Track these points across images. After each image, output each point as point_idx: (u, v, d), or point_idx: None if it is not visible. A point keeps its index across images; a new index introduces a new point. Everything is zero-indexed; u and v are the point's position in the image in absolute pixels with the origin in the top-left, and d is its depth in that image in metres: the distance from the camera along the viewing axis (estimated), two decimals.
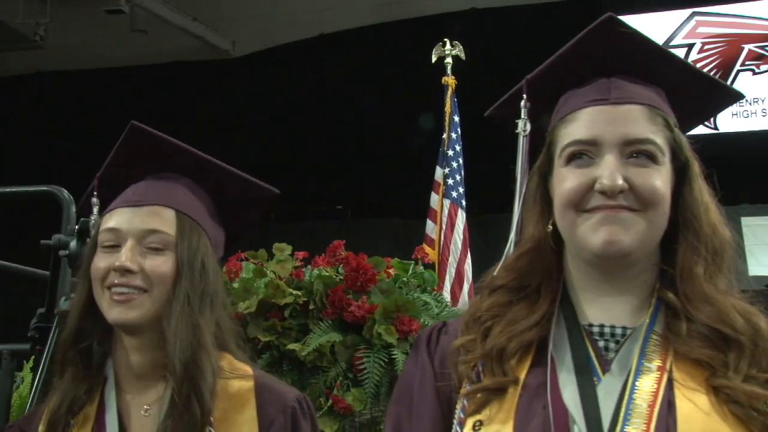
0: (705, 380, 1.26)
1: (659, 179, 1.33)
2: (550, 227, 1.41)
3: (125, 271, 1.61)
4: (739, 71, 11.43)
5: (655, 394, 1.26)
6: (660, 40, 11.66)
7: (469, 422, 1.33)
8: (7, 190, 3.00)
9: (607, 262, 1.34)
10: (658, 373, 1.29)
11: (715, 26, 11.63)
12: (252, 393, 1.66)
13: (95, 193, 1.77)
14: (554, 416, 1.28)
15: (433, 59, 5.50)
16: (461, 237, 5.28)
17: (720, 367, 1.26)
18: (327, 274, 3.06)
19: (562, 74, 1.45)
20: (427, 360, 1.46)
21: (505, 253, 1.49)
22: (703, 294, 1.31)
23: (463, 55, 5.49)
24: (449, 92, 5.51)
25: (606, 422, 1.26)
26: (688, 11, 11.66)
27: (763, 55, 11.40)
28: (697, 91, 1.48)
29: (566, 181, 1.35)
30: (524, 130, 1.48)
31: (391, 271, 3.24)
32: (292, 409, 1.68)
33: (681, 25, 11.74)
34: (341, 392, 2.85)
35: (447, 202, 5.35)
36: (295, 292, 2.95)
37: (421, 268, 3.25)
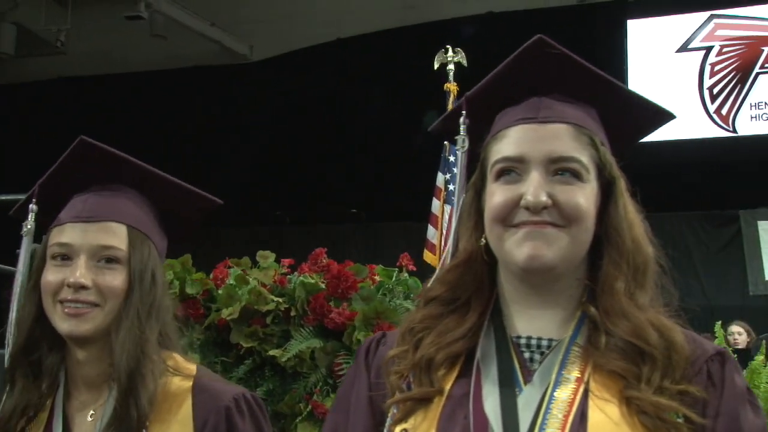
0: (619, 391, 1.30)
1: (583, 196, 1.36)
2: (483, 241, 1.44)
3: (79, 288, 1.64)
4: (758, 74, 11.30)
5: (571, 404, 1.30)
6: (678, 43, 11.60)
7: (397, 430, 1.36)
8: None
9: (533, 275, 1.37)
10: (576, 384, 1.32)
11: (733, 29, 11.50)
12: (189, 393, 1.68)
13: (34, 200, 1.79)
14: (474, 426, 1.31)
15: (435, 66, 5.52)
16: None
17: (633, 379, 1.29)
18: (311, 281, 3.10)
19: (499, 93, 1.48)
20: (363, 370, 1.50)
21: (439, 266, 1.52)
22: (621, 309, 1.34)
23: (465, 62, 5.49)
24: (451, 98, 5.52)
25: (523, 430, 1.29)
26: (707, 14, 11.55)
27: None
28: (628, 111, 1.51)
29: (495, 196, 1.38)
30: (462, 147, 1.51)
31: (377, 277, 3.27)
32: (226, 409, 1.67)
33: (699, 27, 11.63)
34: (321, 398, 2.90)
35: (448, 208, 5.34)
36: (276, 299, 3.00)
37: (406, 275, 3.28)
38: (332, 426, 1.51)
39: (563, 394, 1.31)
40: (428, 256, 5.37)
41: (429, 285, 1.49)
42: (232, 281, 3.11)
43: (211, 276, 3.20)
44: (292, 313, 3.01)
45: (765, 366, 2.53)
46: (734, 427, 1.32)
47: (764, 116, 11.19)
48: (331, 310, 2.98)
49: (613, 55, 11.60)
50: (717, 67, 11.53)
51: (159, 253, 1.79)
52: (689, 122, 11.31)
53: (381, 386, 1.44)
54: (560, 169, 1.36)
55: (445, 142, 5.50)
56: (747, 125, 11.18)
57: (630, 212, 1.42)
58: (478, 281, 1.44)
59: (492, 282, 1.45)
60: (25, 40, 12.92)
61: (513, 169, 1.38)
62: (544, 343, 1.38)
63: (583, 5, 11.97)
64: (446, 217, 5.37)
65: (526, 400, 1.32)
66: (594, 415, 1.28)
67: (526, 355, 1.38)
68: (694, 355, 1.35)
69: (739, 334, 8.12)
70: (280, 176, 12.35)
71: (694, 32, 11.63)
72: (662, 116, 1.55)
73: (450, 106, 5.60)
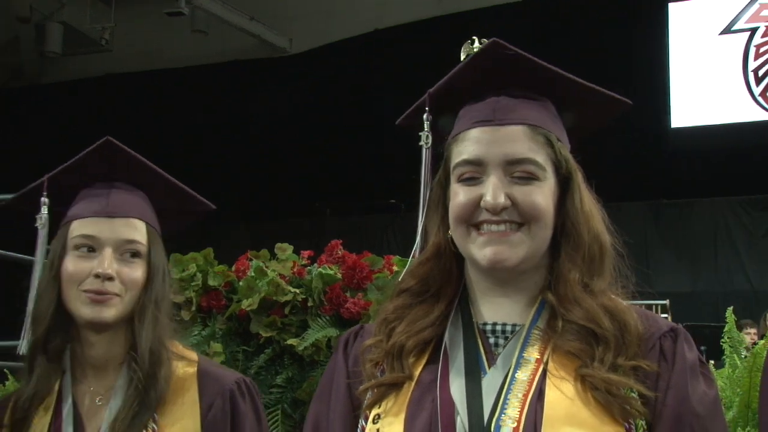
0: (574, 370, 1.38)
1: (540, 195, 1.44)
2: (450, 235, 1.51)
3: (107, 278, 1.77)
4: None
5: (530, 383, 1.38)
6: (721, 26, 11.36)
7: (371, 414, 1.45)
8: None
9: (496, 273, 1.46)
10: (536, 364, 1.40)
11: None
12: (194, 378, 1.82)
13: (45, 193, 1.89)
14: (441, 409, 1.39)
15: (462, 57, 5.54)
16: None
17: (588, 358, 1.38)
18: (329, 272, 3.18)
19: (459, 91, 1.54)
20: (342, 360, 1.58)
21: (410, 259, 1.60)
22: (574, 297, 1.43)
23: None
24: None
25: (487, 412, 1.37)
26: None
27: None
28: (584, 102, 1.57)
29: (457, 197, 1.46)
30: (426, 143, 1.56)
31: (395, 268, 3.34)
32: (230, 392, 1.82)
33: (744, 8, 11.38)
34: None
35: None
36: (294, 290, 3.08)
37: None
38: (314, 414, 1.59)
39: (524, 375, 1.39)
40: None
41: (401, 278, 1.58)
42: (252, 273, 3.21)
43: (233, 268, 3.30)
44: (309, 304, 3.10)
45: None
46: (683, 397, 1.39)
47: None
48: (346, 300, 3.05)
49: (655, 39, 11.44)
50: (762, 49, 11.27)
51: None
52: (734, 106, 11.12)
53: (358, 374, 1.52)
54: (518, 170, 1.44)
55: None
56: None
57: (587, 204, 1.50)
58: (446, 273, 1.52)
59: (460, 272, 1.54)
60: (71, 39, 13.29)
61: (474, 173, 1.45)
62: (508, 328, 1.47)
63: None
64: None
65: (490, 383, 1.40)
66: (551, 393, 1.36)
67: (491, 340, 1.47)
68: (648, 333, 1.44)
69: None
70: (318, 167, 12.48)
71: (738, 14, 11.38)
72: (617, 104, 1.59)
73: None
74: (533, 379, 1.38)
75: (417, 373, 1.45)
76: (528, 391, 1.37)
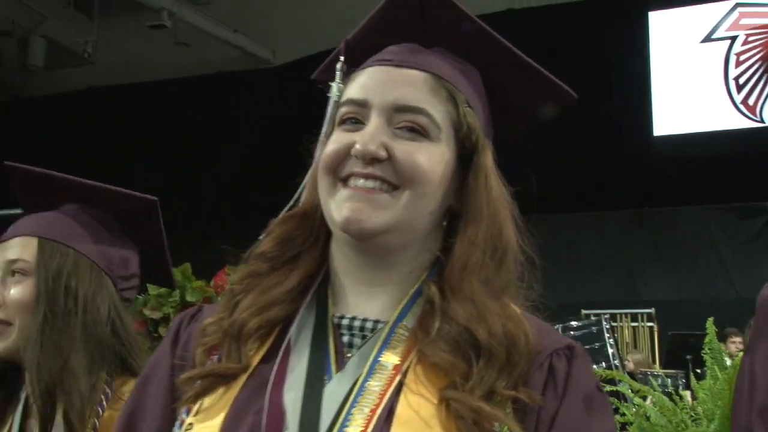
0: (440, 389, 1.10)
1: (426, 155, 1.18)
2: None
3: None
4: None
5: (382, 396, 1.10)
6: (702, 34, 11.45)
7: (194, 408, 1.17)
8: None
9: (357, 242, 1.18)
10: (394, 372, 1.12)
11: (759, 17, 11.32)
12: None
13: None
14: (267, 418, 1.10)
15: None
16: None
17: (459, 377, 1.10)
18: None
19: (377, 39, 1.29)
20: (168, 348, 1.28)
21: (271, 222, 1.30)
22: (470, 291, 1.15)
23: None
24: None
25: (323, 428, 1.09)
26: (731, 2, 11.40)
27: None
28: (517, 80, 1.31)
29: (331, 144, 1.21)
30: (336, 94, 1.28)
31: None
32: None
33: (724, 17, 11.48)
34: None
35: None
36: None
37: None
38: (128, 413, 1.30)
39: (376, 384, 1.11)
40: None
41: (259, 240, 1.27)
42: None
43: (212, 284, 3.28)
44: None
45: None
46: None
47: None
48: None
49: (635, 47, 11.51)
50: (742, 57, 11.36)
51: (100, 262, 1.76)
52: (716, 114, 11.19)
53: (188, 361, 1.22)
54: (406, 121, 1.18)
55: None
56: None
57: (494, 190, 1.24)
58: (311, 237, 1.25)
59: (327, 245, 1.26)
60: (54, 53, 13.23)
61: (356, 115, 1.21)
62: (369, 325, 1.18)
63: None
64: None
65: (333, 391, 1.12)
66: (403, 413, 1.08)
67: (345, 338, 1.18)
68: (539, 347, 1.16)
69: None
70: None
71: (719, 22, 11.47)
72: (561, 94, 1.34)
73: None
74: (386, 392, 1.10)
75: (254, 364, 1.16)
76: (377, 406, 1.09)
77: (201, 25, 12.52)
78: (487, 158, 1.24)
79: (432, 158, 1.18)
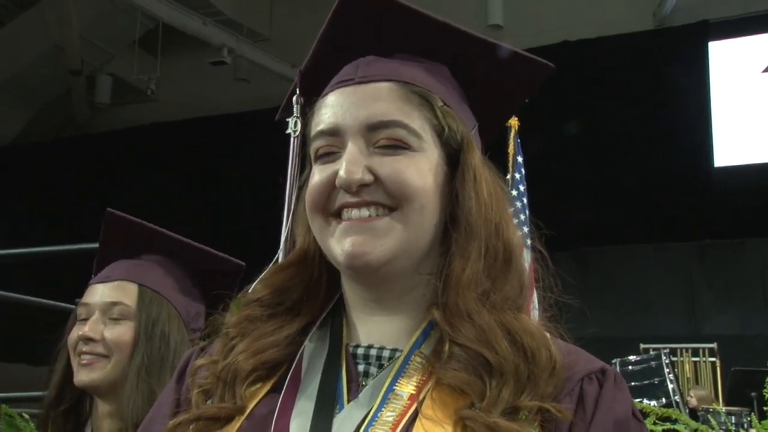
0: (456, 411, 1.04)
1: (412, 168, 1.10)
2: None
3: (88, 340, 1.80)
4: None
5: (395, 427, 1.04)
6: (763, 64, 11.24)
7: None
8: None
9: (363, 276, 1.12)
10: (409, 401, 1.06)
11: None
12: None
13: None
14: None
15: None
16: (527, 275, 5.28)
17: (476, 396, 1.03)
18: None
19: (330, 62, 1.20)
20: (173, 386, 1.24)
21: (268, 269, 1.25)
22: (466, 309, 1.08)
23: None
24: (512, 133, 5.56)
25: None
26: None
27: None
28: (487, 65, 1.22)
29: (313, 180, 1.14)
30: (294, 130, 1.22)
31: None
32: None
33: None
34: None
35: None
36: None
37: None
38: None
39: (389, 414, 1.05)
40: None
41: (252, 287, 1.22)
42: None
43: None
44: None
45: None
46: None
47: None
48: None
49: (695, 78, 11.37)
50: None
51: (182, 314, 1.90)
52: None
53: (189, 403, 1.17)
54: (384, 137, 1.10)
55: (507, 177, 5.55)
56: None
57: (484, 186, 1.14)
58: (311, 283, 1.19)
59: (334, 286, 1.21)
60: (119, 90, 13.73)
61: (330, 147, 1.13)
62: (386, 353, 1.12)
63: (661, 29, 11.79)
64: None
65: (344, 422, 1.06)
66: None
67: (361, 367, 1.12)
68: (570, 371, 1.09)
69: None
70: None
71: None
72: (537, 67, 1.24)
73: (511, 141, 5.63)
74: (400, 421, 1.04)
75: (252, 405, 1.10)
76: None
77: (260, 61, 12.83)
78: (474, 156, 1.16)
79: (420, 170, 1.11)
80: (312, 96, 1.21)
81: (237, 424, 1.08)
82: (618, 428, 1.07)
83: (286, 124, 1.23)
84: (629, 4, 11.96)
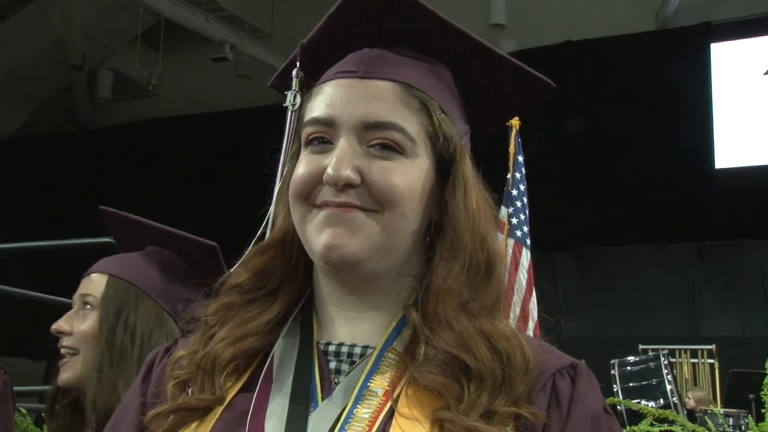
0: (432, 412, 1.04)
1: (402, 174, 1.10)
2: None
3: (60, 333, 1.81)
4: None
5: (372, 423, 1.04)
6: (765, 65, 11.23)
7: None
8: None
9: (338, 271, 1.12)
10: (384, 398, 1.07)
11: None
12: None
13: None
14: None
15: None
16: (526, 276, 5.29)
17: (453, 399, 1.04)
18: None
19: (336, 41, 1.20)
20: (138, 387, 1.23)
21: (248, 251, 1.23)
22: (445, 316, 1.09)
23: None
24: (513, 132, 5.56)
25: None
26: None
27: None
28: (490, 74, 1.23)
29: (299, 168, 1.14)
30: (293, 104, 1.21)
31: None
32: None
33: None
34: None
35: (511, 242, 5.38)
36: None
37: None
38: None
39: (365, 411, 1.06)
40: None
41: (233, 269, 1.21)
42: None
43: None
44: None
45: None
46: None
47: None
48: None
49: (697, 80, 11.36)
50: None
51: (162, 303, 1.86)
52: None
53: (162, 397, 1.15)
54: (378, 138, 1.10)
55: (507, 176, 5.55)
56: None
57: (472, 200, 1.15)
58: (290, 268, 1.18)
59: (308, 273, 1.20)
60: (120, 85, 13.72)
61: (323, 134, 1.12)
62: (357, 350, 1.13)
63: (664, 30, 11.77)
64: (509, 250, 5.41)
65: (319, 419, 1.06)
66: None
67: (333, 364, 1.13)
68: (541, 367, 1.11)
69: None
70: None
71: None
72: (538, 84, 1.25)
73: (512, 140, 5.63)
74: (376, 418, 1.05)
75: (231, 396, 1.10)
76: None
77: (262, 57, 12.82)
78: (465, 167, 1.16)
79: (409, 176, 1.10)
80: (308, 73, 1.21)
81: (215, 415, 1.08)
82: (593, 423, 1.09)
83: (286, 125, 1.23)
84: (632, 5, 11.94)
